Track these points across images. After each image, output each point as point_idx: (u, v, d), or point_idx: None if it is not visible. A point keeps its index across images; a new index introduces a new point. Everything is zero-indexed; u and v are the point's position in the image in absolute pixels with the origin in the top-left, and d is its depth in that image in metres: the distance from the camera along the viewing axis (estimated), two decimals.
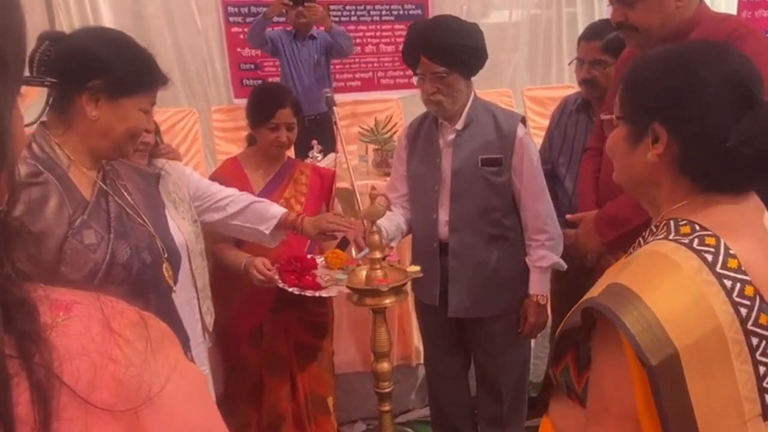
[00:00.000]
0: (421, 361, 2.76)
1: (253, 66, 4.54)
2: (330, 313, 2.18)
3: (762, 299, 0.79)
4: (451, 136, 1.99)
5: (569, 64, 2.44)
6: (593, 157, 1.94)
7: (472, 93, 2.01)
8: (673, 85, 0.87)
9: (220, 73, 4.53)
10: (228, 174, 2.06)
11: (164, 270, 1.31)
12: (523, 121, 2.02)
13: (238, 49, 4.50)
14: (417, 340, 2.73)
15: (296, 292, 1.77)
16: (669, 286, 0.78)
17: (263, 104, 2.06)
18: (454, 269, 2.00)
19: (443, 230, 2.00)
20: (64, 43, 1.19)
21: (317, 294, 1.75)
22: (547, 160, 2.38)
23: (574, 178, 2.25)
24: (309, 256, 1.95)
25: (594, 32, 2.24)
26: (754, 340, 0.77)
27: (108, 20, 4.12)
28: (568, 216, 1.92)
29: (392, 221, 1.99)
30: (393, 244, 1.97)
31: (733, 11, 4.42)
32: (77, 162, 1.21)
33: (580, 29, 2.52)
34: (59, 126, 1.20)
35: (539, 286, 2.01)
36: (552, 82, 4.75)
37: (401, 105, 4.35)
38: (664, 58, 0.91)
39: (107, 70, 1.17)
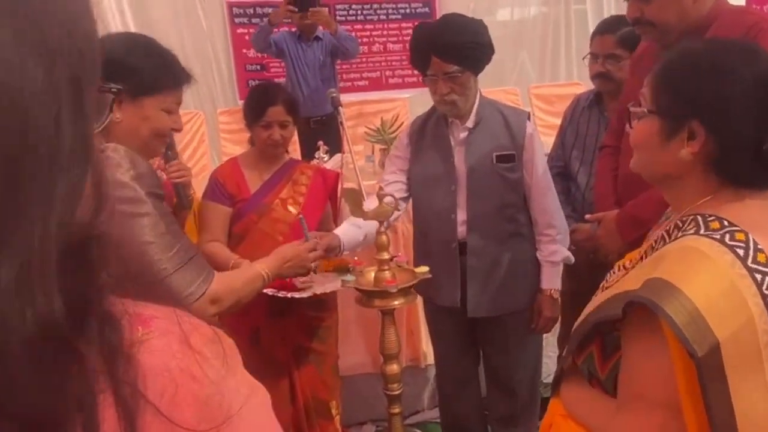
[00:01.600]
0: (430, 362, 2.74)
1: (259, 67, 4.54)
2: (333, 317, 2.15)
3: None
4: (463, 135, 1.98)
5: (583, 59, 2.43)
6: (610, 155, 1.91)
7: (479, 91, 2.01)
8: (715, 85, 0.89)
9: (225, 74, 4.54)
10: (225, 174, 2.07)
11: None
12: (529, 117, 2.04)
13: (244, 50, 4.50)
14: (425, 341, 2.71)
15: (269, 293, 1.74)
16: (706, 280, 0.80)
17: (254, 103, 2.05)
18: (473, 269, 1.99)
19: (461, 230, 1.99)
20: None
21: (289, 296, 1.72)
22: (560, 157, 2.37)
23: (588, 173, 2.24)
24: None
25: (608, 27, 2.24)
26: None
27: (114, 23, 4.13)
28: (587, 216, 1.91)
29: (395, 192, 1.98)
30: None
31: (742, 2, 4.37)
32: None
33: (590, 26, 2.53)
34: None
35: (552, 281, 2.02)
36: (560, 80, 4.72)
37: (408, 104, 4.33)
38: (701, 56, 0.93)
39: (127, 73, 1.21)
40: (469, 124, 1.97)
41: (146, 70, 1.24)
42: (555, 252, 2.00)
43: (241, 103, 4.32)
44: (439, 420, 2.75)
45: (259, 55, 4.47)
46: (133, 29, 4.12)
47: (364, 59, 4.73)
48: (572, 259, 2.04)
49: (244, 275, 1.47)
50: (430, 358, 2.73)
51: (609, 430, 0.88)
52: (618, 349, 0.90)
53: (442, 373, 2.31)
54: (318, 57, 3.84)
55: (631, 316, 0.85)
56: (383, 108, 4.11)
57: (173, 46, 1.37)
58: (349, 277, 1.63)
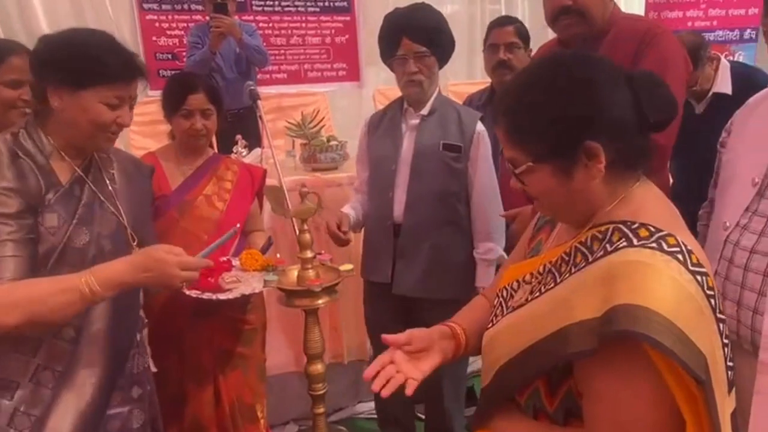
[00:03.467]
0: (353, 358, 2.74)
1: (170, 56, 4.31)
2: (260, 319, 2.09)
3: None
4: (415, 121, 2.08)
5: (483, 51, 2.57)
6: None
7: (438, 86, 2.12)
8: (582, 98, 0.86)
9: None
10: None
11: None
12: (482, 119, 2.13)
13: (154, 38, 4.26)
14: (348, 338, 2.71)
15: (194, 295, 1.64)
16: (667, 293, 0.77)
17: (173, 91, 1.96)
18: (404, 248, 2.06)
19: (398, 210, 2.07)
20: (46, 39, 1.30)
21: (215, 297, 1.62)
22: None
23: None
24: (225, 258, 1.85)
25: (505, 19, 2.54)
26: (721, 326, 0.83)
27: (12, 7, 3.81)
28: (501, 213, 1.97)
29: (357, 210, 2.12)
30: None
31: (641, 11, 4.66)
32: (61, 149, 1.30)
33: None
34: (43, 115, 1.31)
35: (485, 279, 2.09)
36: (477, 78, 4.84)
37: (327, 99, 4.28)
38: (533, 86, 0.89)
39: (67, 64, 1.25)
40: (424, 112, 2.07)
41: (87, 63, 1.26)
42: (490, 250, 2.08)
43: (151, 93, 4.09)
44: (362, 416, 2.77)
45: (171, 42, 4.27)
46: (38, 14, 3.87)
47: (282, 52, 4.63)
48: (506, 258, 2.10)
49: (49, 287, 1.19)
50: (354, 354, 2.74)
51: None
52: (565, 379, 0.87)
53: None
54: (233, 49, 3.72)
55: (605, 350, 0.79)
56: (302, 102, 4.04)
57: None
58: (272, 277, 1.59)
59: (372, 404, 2.74)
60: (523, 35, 2.45)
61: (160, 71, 4.21)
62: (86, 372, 1.30)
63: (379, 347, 2.27)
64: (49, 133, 1.30)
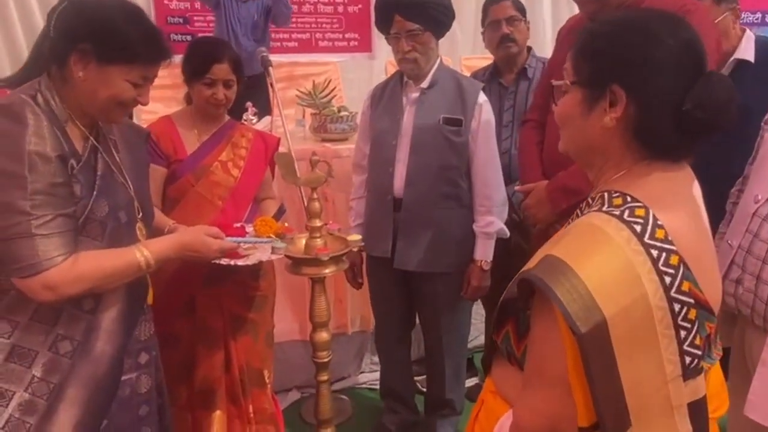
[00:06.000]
0: (357, 329, 2.77)
1: (181, 20, 4.27)
2: (270, 286, 2.10)
3: (686, 267, 0.83)
4: (415, 95, 2.06)
5: (482, 32, 2.57)
6: (533, 128, 1.96)
7: (439, 56, 2.08)
8: (633, 47, 0.87)
9: None
10: (159, 132, 1.93)
11: (137, 229, 1.38)
12: (484, 89, 2.10)
13: (166, 1, 4.22)
14: (352, 309, 2.73)
15: (213, 262, 1.64)
16: (600, 257, 0.80)
17: (199, 58, 1.92)
18: (404, 222, 2.06)
19: (398, 184, 2.06)
20: (75, 3, 1.25)
21: (232, 263, 1.64)
22: None
23: None
24: (238, 225, 1.86)
25: None
26: (677, 306, 0.81)
27: None
28: (517, 188, 1.96)
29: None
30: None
31: None
32: (73, 117, 1.27)
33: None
34: (59, 80, 1.26)
35: (484, 252, 2.09)
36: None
37: (339, 69, 4.24)
38: (621, 22, 0.92)
39: (98, 36, 1.21)
40: (424, 85, 2.04)
41: (119, 39, 1.23)
42: (490, 223, 2.07)
43: None
44: (364, 386, 2.81)
45: (183, 6, 4.22)
46: None
47: (294, 20, 4.56)
48: (507, 232, 2.12)
49: (112, 262, 1.28)
50: (358, 325, 2.76)
51: (515, 407, 0.89)
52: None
53: (379, 333, 2.37)
54: (252, 15, 3.69)
55: (536, 295, 0.85)
56: (314, 71, 4.00)
57: None
58: (280, 244, 1.59)
59: (373, 375, 2.78)
60: (520, 8, 2.48)
61: (171, 35, 4.18)
62: (103, 341, 1.31)
63: (381, 318, 2.35)
64: (62, 100, 1.26)
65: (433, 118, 2.02)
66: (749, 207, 1.45)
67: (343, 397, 2.71)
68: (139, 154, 1.48)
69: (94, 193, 1.27)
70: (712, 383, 0.93)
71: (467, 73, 4.35)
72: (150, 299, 1.79)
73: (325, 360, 1.67)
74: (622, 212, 0.84)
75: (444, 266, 2.09)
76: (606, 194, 0.90)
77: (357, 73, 4.71)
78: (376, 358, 2.71)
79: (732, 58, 2.37)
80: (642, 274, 0.79)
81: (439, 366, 2.25)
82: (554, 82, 1.00)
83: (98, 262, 1.26)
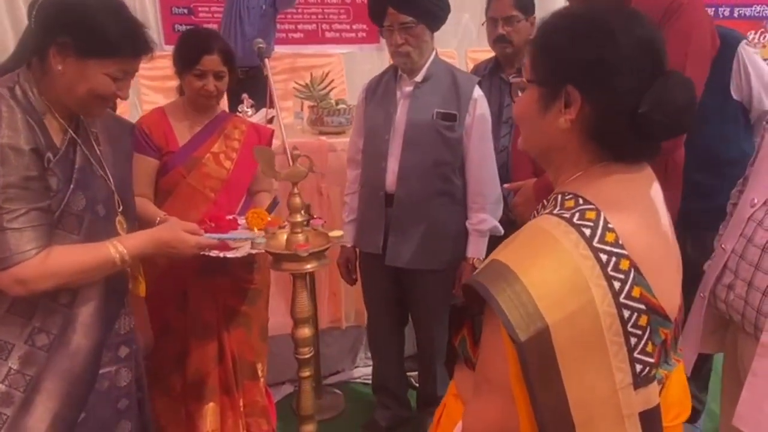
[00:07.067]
0: (351, 324, 2.76)
1: (186, 11, 4.27)
2: (264, 279, 2.10)
3: (637, 272, 0.79)
4: (409, 88, 2.03)
5: (482, 24, 2.51)
6: None
7: (434, 50, 2.05)
8: (587, 47, 0.83)
9: (150, 17, 4.23)
10: (152, 124, 1.93)
11: (117, 223, 1.37)
12: (480, 83, 2.07)
13: None
14: (347, 303, 2.71)
15: (202, 253, 1.64)
16: (546, 262, 0.78)
17: (189, 49, 1.92)
18: (397, 218, 2.04)
19: (390, 180, 2.04)
20: None
21: (221, 255, 1.64)
22: None
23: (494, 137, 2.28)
24: (231, 217, 1.85)
25: None
26: (626, 312, 0.78)
27: None
28: (506, 185, 1.94)
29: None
30: None
31: None
32: (53, 109, 1.26)
33: None
34: (39, 72, 1.25)
35: (476, 250, 2.06)
36: None
37: (343, 61, 4.20)
38: (578, 19, 0.88)
39: (77, 30, 1.21)
40: (418, 78, 2.02)
41: (99, 33, 1.22)
42: (483, 221, 2.04)
43: (166, 48, 4.08)
44: (358, 380, 2.80)
45: None
46: None
47: (300, 10, 4.54)
48: (501, 230, 2.08)
49: (86, 257, 1.27)
50: (352, 320, 2.75)
51: (464, 413, 0.88)
52: None
53: (372, 329, 2.37)
54: (261, 4, 3.67)
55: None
56: (317, 63, 3.98)
57: None
58: (260, 240, 1.57)
59: (367, 370, 2.77)
60: (523, 5, 2.35)
61: (176, 26, 4.18)
62: (80, 335, 1.31)
63: (374, 315, 2.33)
64: (41, 92, 1.25)
65: (426, 112, 1.99)
66: (745, 211, 1.41)
67: (337, 391, 2.70)
68: (122, 146, 1.46)
69: (71, 186, 1.26)
70: (673, 390, 0.90)
71: (472, 66, 4.33)
72: (143, 291, 1.80)
73: (307, 356, 1.66)
74: (573, 215, 0.81)
75: (436, 263, 2.07)
76: (560, 196, 0.87)
77: (364, 65, 4.67)
78: (370, 353, 2.70)
79: None
80: (589, 279, 0.76)
81: (431, 363, 2.23)
82: (512, 79, 0.97)
83: (71, 258, 1.25)
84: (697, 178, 1.81)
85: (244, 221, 1.80)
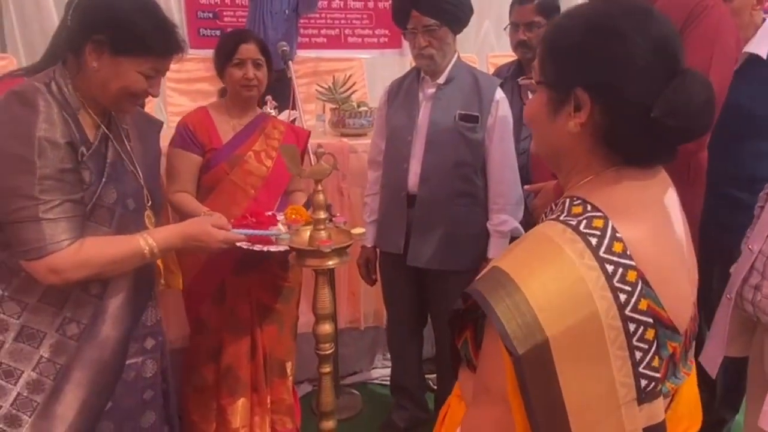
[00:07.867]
0: (370, 325, 2.77)
1: (211, 15, 4.34)
2: (297, 278, 2.14)
3: (645, 284, 0.76)
4: (432, 90, 2.05)
5: (504, 29, 2.51)
6: None
7: (456, 52, 2.07)
8: (597, 48, 0.80)
9: (176, 20, 4.30)
10: (195, 121, 1.99)
11: (146, 217, 1.41)
12: (501, 85, 2.09)
13: None
14: (366, 304, 2.73)
15: (244, 247, 1.70)
16: (548, 272, 0.74)
17: (226, 43, 2.01)
18: (418, 219, 2.05)
19: (413, 181, 2.05)
20: None
21: (265, 249, 1.69)
22: None
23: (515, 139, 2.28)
24: (270, 213, 1.90)
25: None
26: (632, 326, 0.75)
27: None
28: (526, 186, 1.94)
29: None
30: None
31: None
32: (86, 105, 1.30)
33: None
34: (74, 68, 1.29)
35: (497, 251, 2.06)
36: None
37: (364, 65, 4.24)
38: (588, 19, 0.83)
39: (113, 28, 1.24)
40: (440, 81, 2.04)
41: (134, 31, 1.26)
42: (504, 222, 2.05)
43: (191, 52, 4.16)
44: (375, 381, 2.81)
45: (213, 2, 4.29)
46: None
47: (323, 15, 4.59)
48: (522, 232, 2.08)
49: (117, 249, 1.31)
50: (370, 320, 2.76)
51: (463, 419, 0.85)
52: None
53: (391, 329, 2.38)
54: (284, 8, 3.73)
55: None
56: (339, 67, 4.02)
57: None
58: (284, 236, 1.60)
59: (385, 371, 2.78)
60: (547, 10, 2.33)
61: (201, 30, 4.26)
62: (109, 326, 1.35)
63: (393, 315, 2.34)
64: (76, 88, 1.29)
65: (449, 114, 2.01)
66: None
67: (354, 391, 2.71)
68: (151, 143, 1.50)
69: (103, 179, 1.30)
70: (683, 402, 0.87)
71: (492, 70, 4.33)
72: (179, 284, 1.83)
73: (328, 352, 1.68)
74: (579, 222, 0.77)
75: (457, 264, 2.07)
76: (568, 200, 0.83)
77: (385, 70, 4.71)
78: (388, 354, 2.71)
79: (742, 51, 2.06)
80: (594, 290, 0.72)
81: (450, 366, 2.22)
82: (521, 81, 0.96)
83: (103, 249, 1.29)
84: None
85: (282, 217, 1.85)
